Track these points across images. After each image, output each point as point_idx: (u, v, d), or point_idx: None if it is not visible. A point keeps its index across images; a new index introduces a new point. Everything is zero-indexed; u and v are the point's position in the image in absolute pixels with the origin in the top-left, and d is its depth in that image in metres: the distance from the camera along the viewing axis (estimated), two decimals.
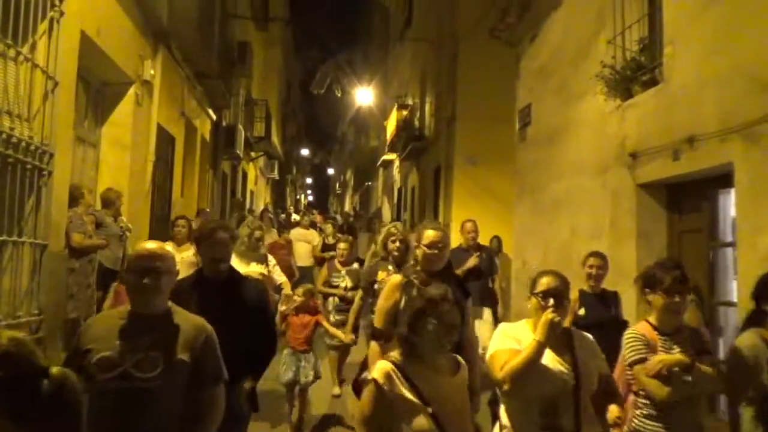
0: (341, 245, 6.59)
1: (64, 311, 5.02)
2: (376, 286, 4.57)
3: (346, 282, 6.24)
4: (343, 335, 5.40)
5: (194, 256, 5.15)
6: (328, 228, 11.05)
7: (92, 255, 5.45)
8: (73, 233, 5.15)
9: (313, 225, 12.15)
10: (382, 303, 3.22)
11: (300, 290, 5.30)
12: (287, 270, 9.54)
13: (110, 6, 5.95)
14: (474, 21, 10.50)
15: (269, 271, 5.66)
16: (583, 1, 6.44)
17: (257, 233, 5.57)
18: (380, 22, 25.29)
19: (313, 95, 22.85)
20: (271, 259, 5.79)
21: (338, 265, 6.43)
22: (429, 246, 3.17)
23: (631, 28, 5.47)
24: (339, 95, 21.43)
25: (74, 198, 5.30)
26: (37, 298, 4.42)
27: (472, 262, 6.33)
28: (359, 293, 5.24)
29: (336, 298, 6.25)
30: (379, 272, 4.69)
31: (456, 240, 9.90)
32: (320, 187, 62.73)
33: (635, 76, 5.29)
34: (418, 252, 3.24)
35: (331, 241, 10.06)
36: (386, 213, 21.98)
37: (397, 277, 3.28)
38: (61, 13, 4.63)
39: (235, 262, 4.98)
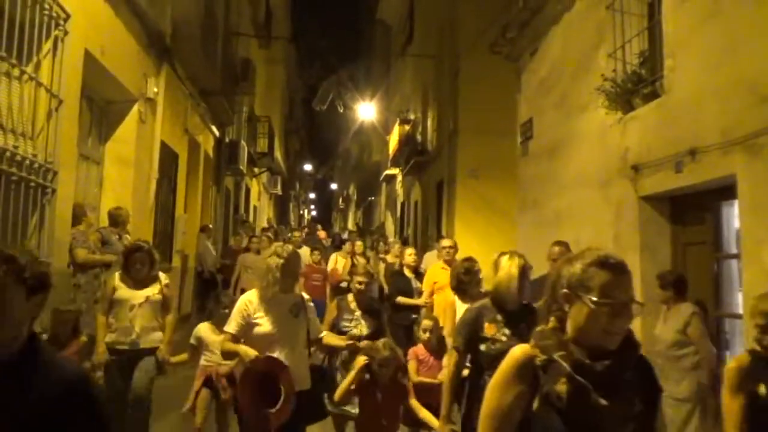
0: (358, 277, 4.66)
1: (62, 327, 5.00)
2: (483, 347, 3.19)
3: (362, 328, 4.46)
4: (437, 422, 3.48)
5: (159, 293, 4.55)
6: (359, 245, 9.54)
7: (97, 270, 5.44)
8: (77, 249, 5.18)
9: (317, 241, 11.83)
10: (495, 398, 1.64)
11: (384, 350, 3.60)
12: (320, 295, 7.96)
13: (114, 25, 6.01)
14: (475, 36, 10.58)
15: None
16: (583, 16, 6.48)
17: (293, 264, 3.63)
18: (382, 38, 25.49)
19: (315, 111, 23.00)
20: (309, 304, 3.74)
21: (352, 303, 4.61)
22: (612, 304, 1.56)
23: (631, 41, 5.49)
24: (341, 111, 21.56)
25: (76, 216, 5.33)
26: (40, 316, 4.40)
27: None
28: (453, 356, 3.36)
29: (346, 352, 4.09)
30: (487, 324, 3.21)
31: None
32: (323, 203, 62.84)
33: (636, 89, 5.30)
34: (577, 309, 1.59)
35: (360, 261, 8.53)
36: (389, 227, 21.98)
37: (523, 350, 1.64)
38: (65, 32, 4.68)
39: (260, 314, 3.46)
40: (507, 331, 3.10)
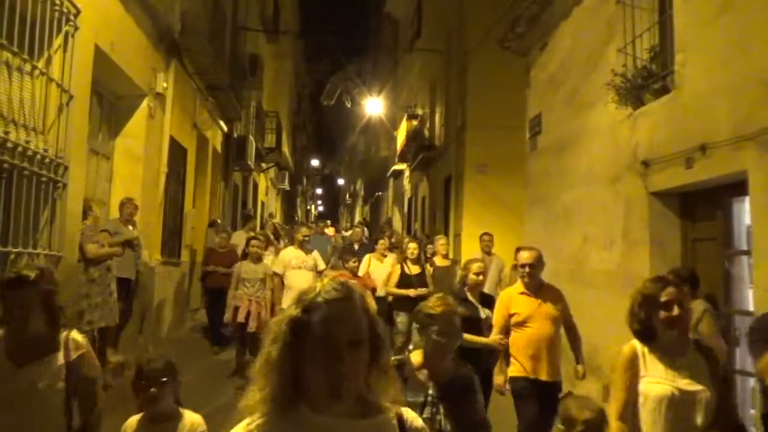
0: (435, 325, 2.62)
1: (78, 322, 5.05)
2: None
3: (443, 420, 2.51)
4: None
5: (60, 378, 2.37)
6: (412, 247, 7.12)
7: (108, 263, 5.59)
8: (87, 244, 5.25)
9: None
10: None
11: None
12: None
13: (123, 20, 6.03)
14: (483, 31, 10.53)
15: None
16: (593, 11, 6.44)
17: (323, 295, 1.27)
18: (389, 33, 25.42)
19: (323, 106, 23.00)
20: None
21: (421, 373, 2.59)
22: None
23: (642, 36, 5.46)
24: (349, 106, 21.54)
25: (83, 211, 5.41)
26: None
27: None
28: None
29: None
30: None
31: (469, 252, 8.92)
32: (330, 198, 62.93)
33: (646, 84, 5.27)
34: None
35: (413, 270, 6.88)
36: (397, 223, 21.98)
37: None
38: (76, 28, 4.70)
39: None
40: None
